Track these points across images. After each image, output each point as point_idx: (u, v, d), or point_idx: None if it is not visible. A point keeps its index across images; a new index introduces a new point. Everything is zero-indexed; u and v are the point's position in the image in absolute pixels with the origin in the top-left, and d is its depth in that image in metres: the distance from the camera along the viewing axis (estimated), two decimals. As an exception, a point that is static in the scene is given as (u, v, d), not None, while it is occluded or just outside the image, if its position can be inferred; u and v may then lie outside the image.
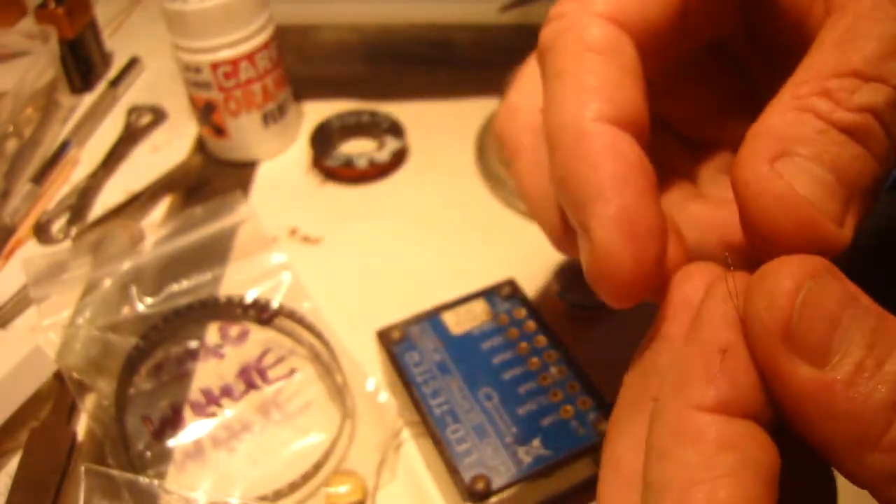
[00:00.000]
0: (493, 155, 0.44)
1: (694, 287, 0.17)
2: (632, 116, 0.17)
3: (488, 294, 0.31)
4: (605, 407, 0.27)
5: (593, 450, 0.26)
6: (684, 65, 0.22)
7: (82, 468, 0.28)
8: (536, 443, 0.26)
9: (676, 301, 0.17)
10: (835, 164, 0.15)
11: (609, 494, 0.16)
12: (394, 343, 0.29)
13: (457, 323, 0.30)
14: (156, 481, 0.28)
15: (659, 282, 0.17)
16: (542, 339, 0.29)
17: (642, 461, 0.15)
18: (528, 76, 0.23)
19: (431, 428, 0.26)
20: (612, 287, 0.16)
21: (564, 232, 0.20)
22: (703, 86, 0.23)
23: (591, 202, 0.16)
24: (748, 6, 0.21)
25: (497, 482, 0.25)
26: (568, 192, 0.17)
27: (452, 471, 0.25)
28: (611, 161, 0.16)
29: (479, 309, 0.30)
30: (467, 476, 0.25)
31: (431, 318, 0.30)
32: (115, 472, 0.28)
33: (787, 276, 0.14)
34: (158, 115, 0.51)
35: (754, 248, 0.16)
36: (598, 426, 0.26)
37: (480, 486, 0.24)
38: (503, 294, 0.31)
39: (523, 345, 0.29)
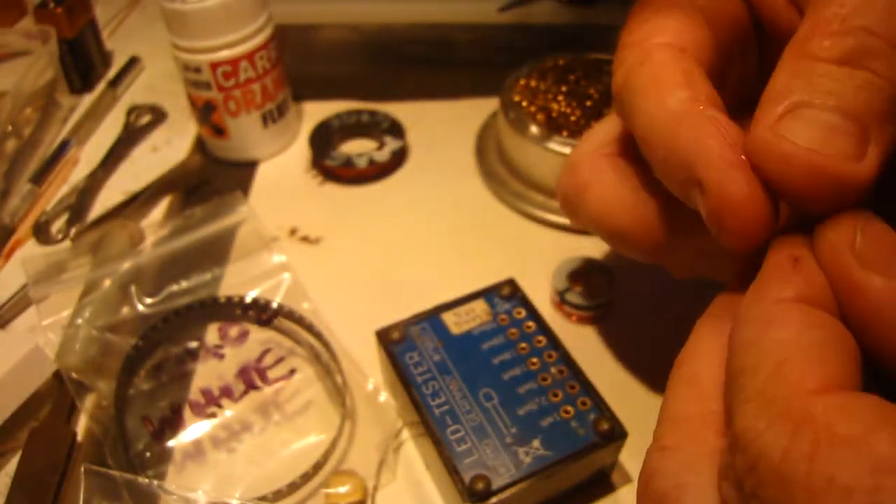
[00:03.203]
0: (493, 155, 0.44)
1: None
2: (717, 103, 0.18)
3: (488, 294, 0.31)
4: (605, 407, 0.26)
5: (593, 450, 0.26)
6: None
7: (82, 468, 0.28)
8: (536, 443, 0.26)
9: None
10: (839, 103, 0.15)
11: (686, 410, 0.17)
12: (393, 343, 0.29)
13: (457, 323, 0.30)
14: (155, 482, 0.28)
15: (776, 218, 0.17)
16: (541, 340, 0.29)
17: (721, 373, 0.16)
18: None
19: (431, 428, 0.26)
20: (739, 225, 0.17)
21: (660, 231, 0.21)
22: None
23: (699, 157, 0.17)
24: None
25: (497, 482, 0.25)
26: (675, 161, 0.18)
27: (452, 471, 0.25)
28: (709, 123, 0.17)
29: (479, 309, 0.30)
30: (467, 476, 0.25)
31: (431, 318, 0.30)
32: (115, 473, 0.28)
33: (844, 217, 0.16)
34: (158, 115, 0.50)
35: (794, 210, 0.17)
36: (598, 426, 0.26)
37: (480, 486, 0.24)
38: (503, 294, 0.31)
39: (523, 345, 0.29)
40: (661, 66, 0.19)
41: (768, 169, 0.16)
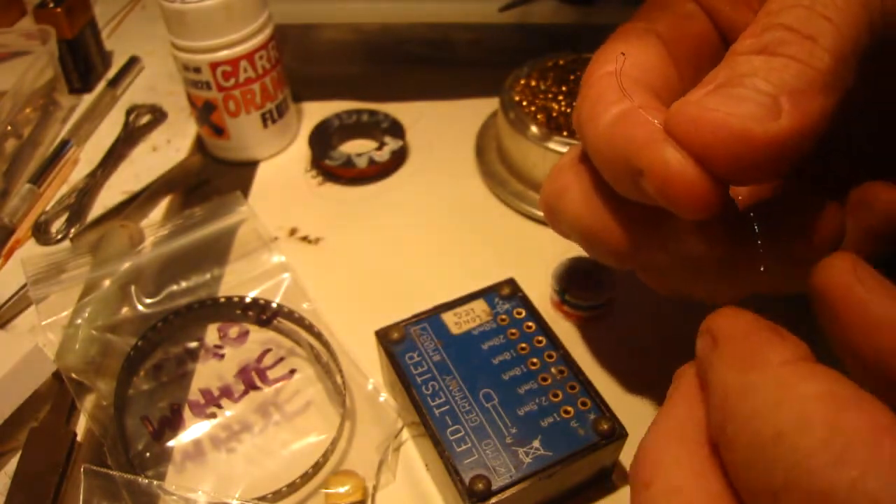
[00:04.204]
0: (492, 155, 0.44)
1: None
2: (654, 108, 0.20)
3: (488, 294, 0.31)
4: (605, 408, 0.26)
5: (593, 450, 0.26)
6: None
7: (82, 469, 0.28)
8: (536, 443, 0.26)
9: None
10: (752, 80, 0.17)
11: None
12: (393, 343, 0.29)
13: (456, 323, 0.30)
14: (155, 482, 0.28)
15: (716, 181, 0.18)
16: (541, 340, 0.29)
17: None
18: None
19: (431, 429, 0.26)
20: (682, 190, 0.18)
21: (630, 235, 0.22)
22: None
23: (633, 148, 0.19)
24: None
25: (497, 483, 0.25)
26: (617, 163, 0.20)
27: (452, 471, 0.25)
28: (637, 120, 0.19)
29: (479, 309, 0.30)
30: (467, 477, 0.25)
31: (431, 318, 0.30)
32: (115, 473, 0.28)
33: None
34: (158, 115, 0.50)
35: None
36: (598, 427, 0.26)
37: (480, 486, 0.24)
38: (503, 294, 0.31)
39: (523, 345, 0.29)
40: (599, 93, 0.21)
41: (682, 132, 0.17)
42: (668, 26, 0.23)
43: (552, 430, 0.26)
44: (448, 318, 0.30)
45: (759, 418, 0.14)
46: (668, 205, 0.18)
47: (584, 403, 0.27)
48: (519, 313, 0.30)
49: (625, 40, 0.23)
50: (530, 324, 0.29)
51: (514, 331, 0.29)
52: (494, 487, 0.24)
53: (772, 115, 0.17)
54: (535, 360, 0.28)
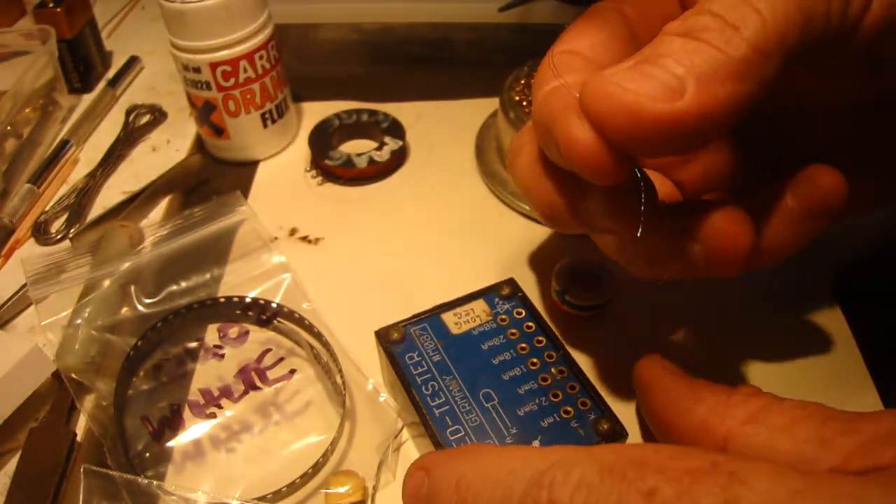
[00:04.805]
0: (492, 155, 0.44)
1: None
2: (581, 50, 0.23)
3: (488, 294, 0.31)
4: (605, 408, 0.27)
5: None
6: None
7: (82, 469, 0.27)
8: (536, 444, 0.25)
9: None
10: (664, 60, 0.18)
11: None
12: (393, 343, 0.29)
13: (456, 323, 0.30)
14: (155, 482, 0.28)
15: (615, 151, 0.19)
16: (541, 340, 0.29)
17: None
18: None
19: (431, 429, 0.26)
20: (582, 156, 0.19)
21: (554, 204, 0.24)
22: None
23: (548, 117, 0.21)
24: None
25: None
26: (542, 131, 0.22)
27: None
28: (561, 95, 0.21)
29: (479, 309, 0.30)
30: None
31: (431, 318, 0.30)
32: (115, 473, 0.28)
33: None
34: (157, 115, 0.50)
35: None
36: (598, 427, 0.26)
37: None
38: (503, 294, 0.31)
39: (523, 345, 0.29)
40: (544, 70, 0.23)
41: (585, 104, 0.19)
42: (634, 6, 0.24)
43: (552, 430, 0.26)
44: (448, 318, 0.30)
45: None
46: (574, 167, 0.20)
47: (584, 403, 0.27)
48: (519, 313, 0.30)
49: (588, 20, 0.24)
50: (530, 324, 0.29)
51: (514, 331, 0.29)
52: None
53: (672, 95, 0.17)
54: (535, 360, 0.28)
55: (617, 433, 0.26)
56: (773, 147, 0.27)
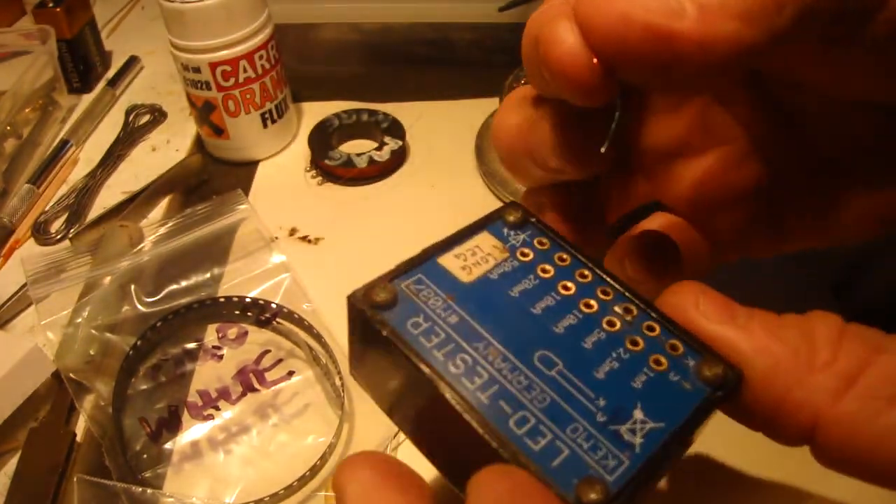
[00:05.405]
0: (492, 155, 0.44)
1: None
2: None
3: (492, 224, 0.22)
4: (701, 347, 0.19)
5: (712, 406, 0.18)
6: None
7: (75, 479, 0.28)
8: (639, 413, 0.18)
9: None
10: None
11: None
12: (380, 308, 0.19)
13: (464, 267, 0.20)
14: (149, 490, 0.28)
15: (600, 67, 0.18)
16: (586, 274, 0.20)
17: None
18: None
19: (482, 425, 0.16)
20: (561, 66, 0.18)
21: (514, 140, 0.23)
22: None
23: (537, 24, 0.19)
24: None
25: (614, 482, 0.16)
26: (530, 32, 0.20)
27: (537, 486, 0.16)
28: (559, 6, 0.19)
29: (487, 245, 0.21)
30: (570, 486, 0.16)
31: (426, 266, 0.20)
32: (109, 483, 0.27)
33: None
34: (157, 115, 0.50)
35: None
36: (703, 373, 0.18)
37: (596, 494, 0.15)
38: (511, 221, 0.22)
39: (566, 284, 0.20)
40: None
41: (579, 8, 0.17)
42: None
43: (650, 391, 0.18)
44: (448, 262, 0.21)
45: None
46: (552, 74, 0.18)
47: (673, 347, 0.19)
48: (542, 243, 0.21)
49: None
50: (563, 255, 0.21)
51: (545, 267, 0.21)
52: (614, 489, 0.16)
53: (671, 14, 0.16)
54: (589, 301, 0.20)
55: (730, 378, 0.18)
56: (792, 156, 0.25)
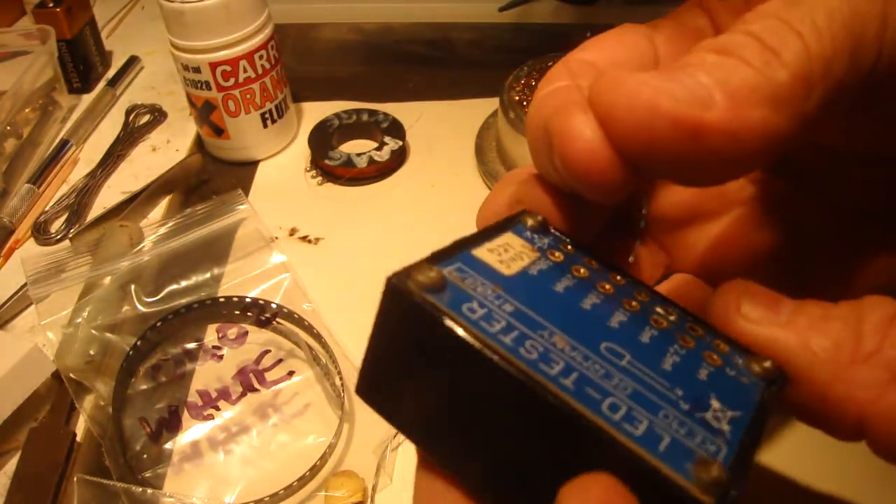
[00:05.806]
0: (492, 155, 0.44)
1: None
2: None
3: (514, 227, 0.21)
4: (741, 345, 0.19)
5: (773, 399, 0.18)
6: None
7: (75, 479, 0.28)
8: (716, 403, 0.17)
9: None
10: (695, 71, 0.16)
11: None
12: (431, 291, 0.17)
13: (501, 261, 0.20)
14: (149, 490, 0.28)
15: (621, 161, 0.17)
16: (618, 278, 0.20)
17: None
18: None
19: (577, 412, 0.15)
20: (578, 161, 0.17)
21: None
22: None
23: (548, 113, 0.18)
24: None
25: (720, 463, 0.16)
26: (538, 121, 0.19)
27: (650, 472, 0.14)
28: (566, 91, 0.19)
29: (517, 244, 0.21)
30: (684, 469, 0.15)
31: (462, 256, 0.19)
32: (109, 482, 0.27)
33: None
34: (157, 115, 0.50)
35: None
36: (754, 370, 0.18)
37: (714, 473, 0.15)
38: (531, 226, 0.21)
39: (605, 285, 0.20)
40: (551, 72, 0.20)
41: (595, 96, 0.16)
42: (667, 36, 0.22)
43: (717, 383, 0.18)
44: (484, 255, 0.20)
45: None
46: (567, 170, 0.17)
47: (719, 345, 0.19)
48: (567, 248, 0.21)
49: (614, 36, 0.22)
50: (591, 260, 0.21)
51: (579, 268, 0.20)
52: (730, 471, 0.15)
53: (699, 103, 0.15)
54: (631, 301, 0.20)
55: (779, 372, 0.18)
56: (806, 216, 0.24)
